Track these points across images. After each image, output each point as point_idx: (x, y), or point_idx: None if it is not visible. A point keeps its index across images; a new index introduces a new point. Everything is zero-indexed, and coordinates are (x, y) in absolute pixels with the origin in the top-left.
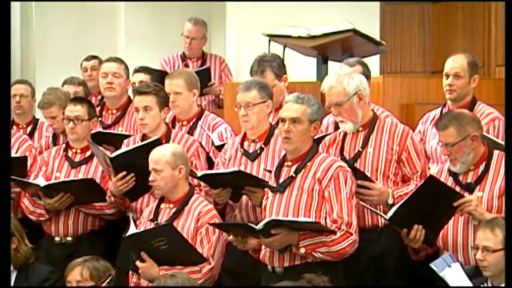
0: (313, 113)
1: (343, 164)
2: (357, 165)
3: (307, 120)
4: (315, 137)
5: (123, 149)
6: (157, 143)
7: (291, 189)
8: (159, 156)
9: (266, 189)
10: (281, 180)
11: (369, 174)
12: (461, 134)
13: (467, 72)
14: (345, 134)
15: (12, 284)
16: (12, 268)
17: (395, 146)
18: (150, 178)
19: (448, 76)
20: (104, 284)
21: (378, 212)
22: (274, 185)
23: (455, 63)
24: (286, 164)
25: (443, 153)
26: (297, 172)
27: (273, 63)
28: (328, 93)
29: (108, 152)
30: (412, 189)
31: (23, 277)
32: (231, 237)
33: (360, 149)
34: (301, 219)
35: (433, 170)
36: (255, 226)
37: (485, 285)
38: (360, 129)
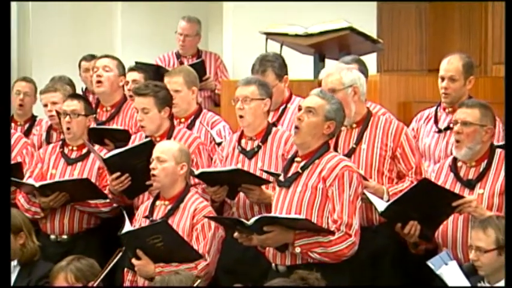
0: (331, 110)
1: (351, 164)
2: (351, 161)
3: (322, 115)
4: None
5: (116, 150)
6: (149, 145)
7: (296, 185)
8: (166, 147)
9: (272, 184)
10: (289, 175)
11: (362, 171)
12: (482, 121)
13: (462, 74)
14: (339, 131)
15: (13, 278)
16: (16, 263)
17: (389, 143)
18: (151, 166)
19: (443, 79)
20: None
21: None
22: (283, 179)
23: (450, 65)
24: (296, 159)
25: (454, 131)
26: (303, 168)
27: (274, 63)
28: (325, 80)
29: (102, 153)
30: (405, 188)
31: (26, 273)
32: (236, 233)
33: (354, 146)
34: (292, 216)
35: (431, 166)
36: (246, 222)
37: (482, 283)
38: (354, 125)
